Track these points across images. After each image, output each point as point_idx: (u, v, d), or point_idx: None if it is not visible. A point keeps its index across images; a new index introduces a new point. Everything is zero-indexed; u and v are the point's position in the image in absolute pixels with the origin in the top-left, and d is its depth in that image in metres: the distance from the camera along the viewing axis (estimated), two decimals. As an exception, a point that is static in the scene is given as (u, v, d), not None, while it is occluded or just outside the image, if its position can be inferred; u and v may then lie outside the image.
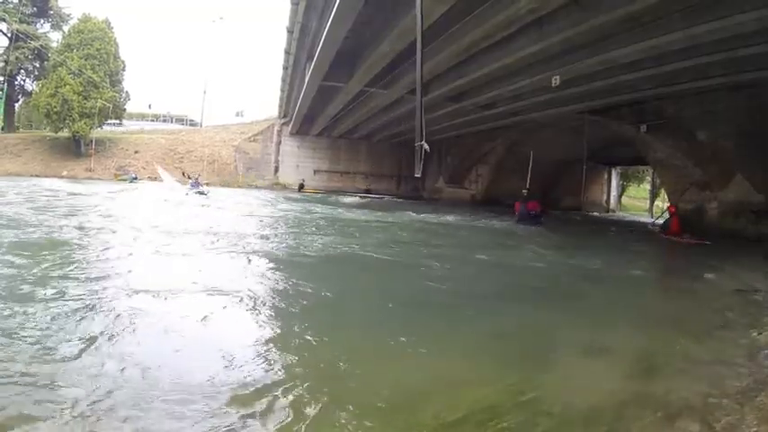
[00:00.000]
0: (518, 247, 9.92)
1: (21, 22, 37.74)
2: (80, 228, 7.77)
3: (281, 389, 2.41)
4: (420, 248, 8.45)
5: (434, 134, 24.80)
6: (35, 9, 40.06)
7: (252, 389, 2.42)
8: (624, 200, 39.10)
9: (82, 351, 2.72)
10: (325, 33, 12.44)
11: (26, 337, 2.89)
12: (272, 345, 3.06)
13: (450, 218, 15.84)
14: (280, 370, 2.66)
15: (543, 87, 14.05)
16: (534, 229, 13.88)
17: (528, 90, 14.99)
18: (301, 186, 30.62)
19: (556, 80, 12.98)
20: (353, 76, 16.21)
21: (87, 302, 3.63)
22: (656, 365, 3.24)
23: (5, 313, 3.28)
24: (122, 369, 2.53)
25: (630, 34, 9.91)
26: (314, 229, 10.25)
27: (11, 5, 39.13)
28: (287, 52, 20.72)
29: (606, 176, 32.58)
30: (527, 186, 16.96)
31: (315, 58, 15.22)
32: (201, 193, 19.99)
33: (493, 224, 15.18)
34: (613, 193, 34.00)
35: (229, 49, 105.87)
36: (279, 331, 3.39)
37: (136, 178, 29.21)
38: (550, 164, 24.02)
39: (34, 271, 4.52)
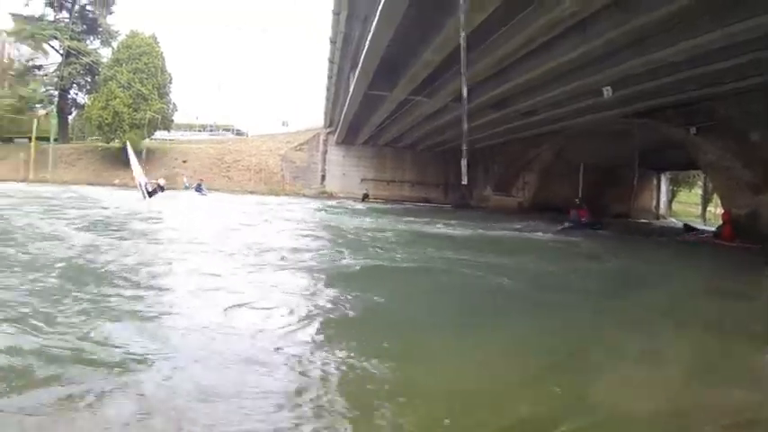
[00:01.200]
0: (572, 253, 9.99)
1: (72, 39, 40.68)
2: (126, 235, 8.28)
3: (331, 396, 2.42)
4: (479, 257, 8.18)
5: (479, 142, 25.12)
6: (85, 27, 43.28)
7: (311, 393, 2.45)
8: (675, 205, 38.46)
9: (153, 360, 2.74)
10: (368, 42, 12.75)
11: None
12: (334, 351, 3.03)
13: (497, 225, 15.63)
14: (337, 379, 2.63)
15: (587, 92, 14.15)
16: (588, 233, 14.12)
17: (571, 95, 15.05)
18: (365, 196, 31.11)
19: (608, 91, 13.13)
20: (397, 85, 16.43)
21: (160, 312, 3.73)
22: (715, 371, 3.19)
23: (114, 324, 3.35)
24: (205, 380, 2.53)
25: (669, 35, 9.82)
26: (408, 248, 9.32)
27: (62, 24, 42.16)
28: (331, 62, 21.06)
29: (655, 182, 32.05)
30: (579, 195, 17.34)
31: (359, 67, 15.53)
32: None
33: (542, 231, 14.68)
34: (663, 198, 33.37)
35: (274, 59, 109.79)
36: (336, 338, 3.41)
37: (200, 188, 27.20)
38: (597, 170, 24.06)
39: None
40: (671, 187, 36.19)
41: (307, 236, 10.20)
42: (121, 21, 57.53)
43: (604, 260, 9.23)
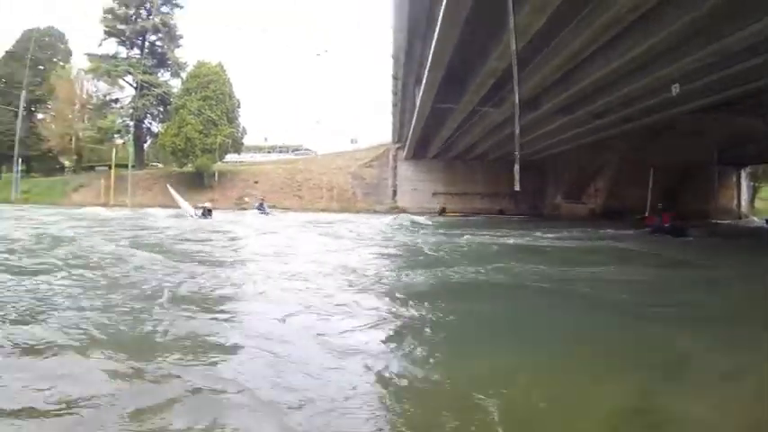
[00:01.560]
0: (666, 261, 9.25)
1: (144, 73, 43.73)
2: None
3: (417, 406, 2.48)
4: (569, 269, 7.72)
5: (547, 149, 25.06)
6: (155, 61, 46.63)
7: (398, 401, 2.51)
8: (757, 203, 36.25)
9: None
10: (430, 56, 12.99)
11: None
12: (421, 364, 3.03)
13: (575, 234, 14.77)
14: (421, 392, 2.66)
15: (655, 89, 13.82)
16: (675, 239, 13.59)
17: (639, 94, 14.74)
18: (443, 210, 31.40)
19: (676, 88, 12.73)
20: (463, 97, 16.55)
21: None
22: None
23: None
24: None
25: (737, 18, 9.31)
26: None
27: (134, 60, 45.60)
28: (395, 78, 21.76)
29: (735, 179, 30.49)
30: (649, 198, 17.29)
31: (423, 82, 15.85)
32: (204, 215, 20.75)
33: (627, 239, 13.72)
34: (744, 196, 31.75)
35: (339, 77, 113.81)
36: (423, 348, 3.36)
37: (262, 207, 27.58)
38: (671, 171, 23.35)
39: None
40: (752, 183, 34.35)
41: (381, 254, 9.70)
42: (189, 53, 60.88)
43: (698, 267, 8.56)
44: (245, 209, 31.41)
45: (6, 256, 7.13)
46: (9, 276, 5.39)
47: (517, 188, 7.19)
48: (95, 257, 7.24)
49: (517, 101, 8.50)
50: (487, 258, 8.29)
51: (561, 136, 21.23)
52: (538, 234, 14.16)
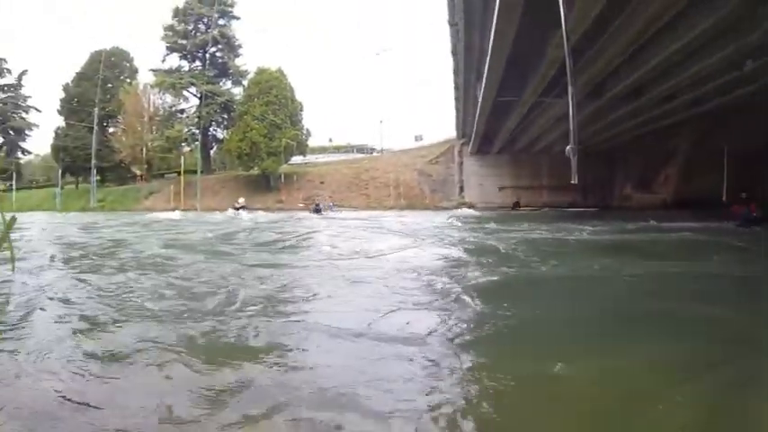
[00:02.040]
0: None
1: (207, 83, 46.20)
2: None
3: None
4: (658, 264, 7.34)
5: (613, 138, 24.61)
6: (217, 71, 49.43)
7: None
8: None
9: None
10: (489, 50, 12.86)
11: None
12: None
13: (654, 226, 14.05)
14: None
15: (726, 67, 13.21)
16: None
17: (709, 73, 13.95)
18: (516, 205, 31.31)
19: (748, 64, 12.37)
20: (525, 89, 16.39)
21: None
22: None
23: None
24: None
25: None
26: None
27: (197, 72, 48.67)
28: (455, 73, 21.87)
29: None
30: (725, 185, 16.55)
31: (484, 76, 15.71)
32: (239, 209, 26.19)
33: (714, 231, 12.74)
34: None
35: (402, 75, 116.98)
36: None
37: (318, 208, 28.11)
38: (747, 155, 22.42)
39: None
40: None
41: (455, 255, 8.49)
42: (250, 60, 63.72)
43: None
44: (299, 210, 32.71)
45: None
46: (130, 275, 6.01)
47: (574, 181, 6.83)
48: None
49: (570, 91, 8.09)
50: (594, 256, 7.98)
51: (628, 123, 20.91)
52: (600, 227, 13.56)
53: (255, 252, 8.73)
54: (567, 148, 7.00)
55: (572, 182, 6.94)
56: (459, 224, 17.03)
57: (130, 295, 4.84)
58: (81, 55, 56.57)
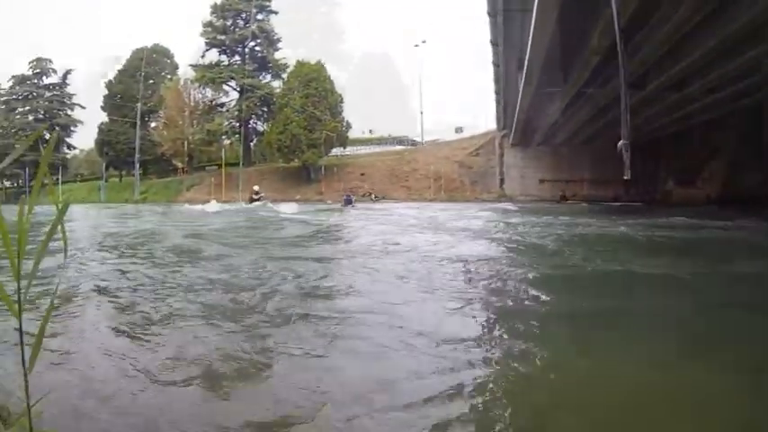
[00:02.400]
0: None
1: (246, 77, 47.42)
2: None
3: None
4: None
5: (656, 132, 24.25)
6: (256, 65, 50.50)
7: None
8: None
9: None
10: (530, 40, 12.69)
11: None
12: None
13: (707, 224, 12.18)
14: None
15: None
16: None
17: (757, 63, 13.43)
18: (563, 198, 30.88)
19: None
20: (566, 80, 16.29)
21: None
22: None
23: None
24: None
25: None
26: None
27: (236, 66, 50.02)
28: (495, 65, 21.80)
29: None
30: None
31: (525, 67, 15.55)
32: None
33: None
34: None
35: (442, 67, 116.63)
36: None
37: (350, 200, 27.88)
38: None
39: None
40: None
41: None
42: (288, 53, 64.82)
43: None
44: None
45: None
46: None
47: (627, 177, 6.57)
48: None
49: (623, 79, 7.82)
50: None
51: (671, 117, 20.59)
52: (654, 224, 12.18)
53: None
54: (620, 143, 6.83)
55: (624, 177, 6.75)
56: (533, 221, 14.31)
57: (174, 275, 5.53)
58: (123, 53, 59.14)
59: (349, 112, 43.58)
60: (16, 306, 1.03)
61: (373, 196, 34.67)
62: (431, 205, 26.24)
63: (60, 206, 1.05)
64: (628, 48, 12.21)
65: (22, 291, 1.04)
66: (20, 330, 1.07)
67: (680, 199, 26.92)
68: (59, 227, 1.05)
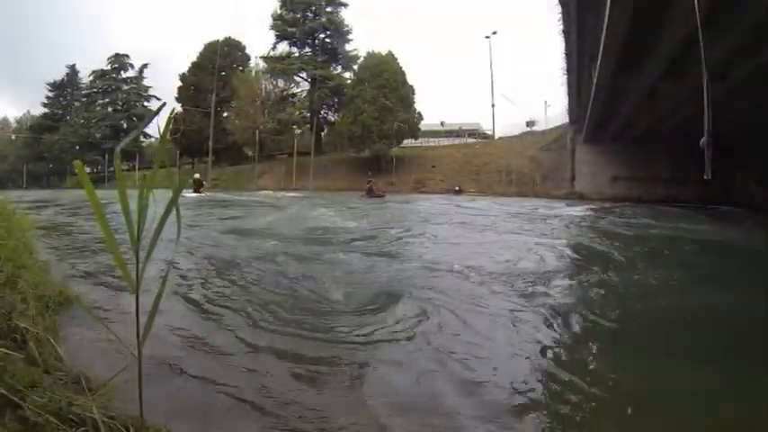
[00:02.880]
0: None
1: (317, 68, 49.13)
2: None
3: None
4: None
5: (742, 128, 22.70)
6: (326, 56, 52.05)
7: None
8: None
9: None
10: (604, 30, 12.48)
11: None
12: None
13: None
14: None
15: None
16: None
17: None
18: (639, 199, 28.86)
19: None
20: (642, 72, 15.73)
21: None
22: None
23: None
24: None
25: None
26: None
27: (307, 57, 51.94)
28: (567, 55, 21.71)
29: None
30: None
31: (599, 58, 15.31)
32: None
33: None
34: None
35: (511, 59, 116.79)
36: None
37: (371, 191, 28.17)
38: None
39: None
40: None
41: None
42: (360, 45, 66.37)
43: None
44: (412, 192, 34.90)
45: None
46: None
47: (708, 176, 6.49)
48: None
49: (705, 74, 7.38)
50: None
51: (757, 112, 19.22)
52: None
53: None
54: (702, 140, 6.70)
55: (705, 177, 6.61)
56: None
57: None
58: (196, 47, 63.02)
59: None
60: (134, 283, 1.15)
61: (456, 188, 35.62)
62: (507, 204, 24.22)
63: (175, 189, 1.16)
64: (707, 38, 11.47)
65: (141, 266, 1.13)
66: (136, 304, 1.18)
67: (764, 202, 24.93)
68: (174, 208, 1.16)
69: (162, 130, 1.22)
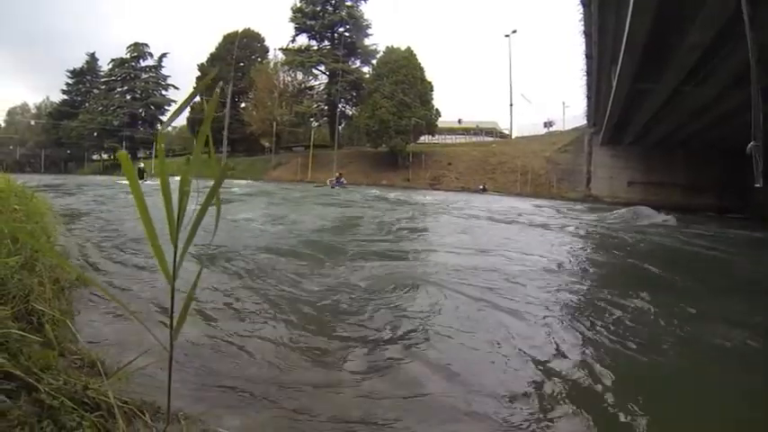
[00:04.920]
0: None
1: (335, 62, 49.57)
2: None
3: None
4: None
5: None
6: (345, 50, 52.32)
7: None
8: None
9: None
10: (626, 31, 12.34)
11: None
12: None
13: None
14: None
15: None
16: None
17: None
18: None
19: None
20: (663, 76, 15.58)
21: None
22: None
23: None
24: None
25: None
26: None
27: (325, 51, 52.42)
28: (588, 57, 21.50)
29: None
30: None
31: (620, 61, 15.20)
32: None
33: None
34: None
35: (531, 58, 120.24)
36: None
37: (340, 181, 30.51)
38: None
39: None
40: None
41: None
42: (379, 39, 66.93)
43: None
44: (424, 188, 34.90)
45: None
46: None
47: (759, 184, 6.00)
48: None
49: (753, 72, 6.66)
50: None
51: None
52: None
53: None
54: (749, 145, 6.16)
55: (756, 185, 6.15)
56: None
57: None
58: (215, 38, 64.24)
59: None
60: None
61: (481, 186, 35.64)
62: (523, 202, 24.44)
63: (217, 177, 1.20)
64: (730, 44, 11.67)
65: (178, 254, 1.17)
66: (171, 295, 1.23)
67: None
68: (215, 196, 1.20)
69: (207, 111, 1.21)
